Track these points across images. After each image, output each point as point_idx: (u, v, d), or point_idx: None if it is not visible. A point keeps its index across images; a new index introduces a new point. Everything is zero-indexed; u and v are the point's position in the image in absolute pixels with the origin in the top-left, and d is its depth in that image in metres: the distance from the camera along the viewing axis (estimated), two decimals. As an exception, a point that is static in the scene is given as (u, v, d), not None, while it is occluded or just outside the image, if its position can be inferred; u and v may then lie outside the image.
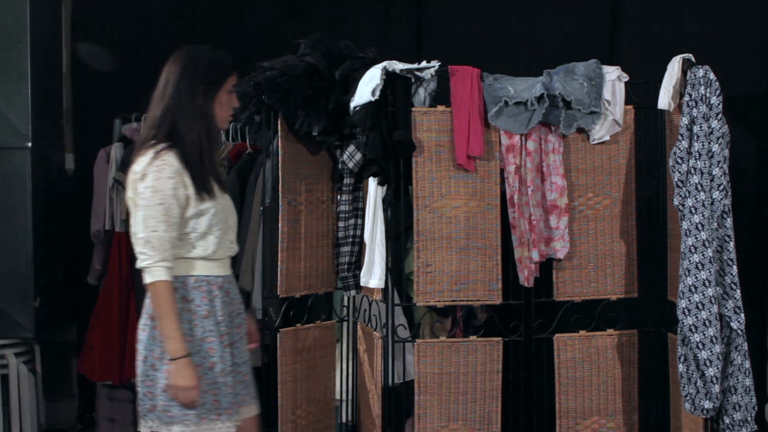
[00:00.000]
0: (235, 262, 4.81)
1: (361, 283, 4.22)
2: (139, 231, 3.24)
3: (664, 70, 4.03)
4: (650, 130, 4.30)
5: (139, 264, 3.22)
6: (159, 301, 3.19)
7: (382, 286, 4.11)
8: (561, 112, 4.11)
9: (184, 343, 3.18)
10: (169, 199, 3.20)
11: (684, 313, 3.83)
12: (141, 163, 3.23)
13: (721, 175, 3.83)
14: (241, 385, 3.36)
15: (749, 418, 3.88)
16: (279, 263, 4.27)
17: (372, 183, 4.13)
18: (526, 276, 4.17)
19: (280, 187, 4.28)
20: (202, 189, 3.25)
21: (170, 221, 3.21)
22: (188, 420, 3.21)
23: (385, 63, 4.05)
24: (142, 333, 3.30)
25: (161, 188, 3.19)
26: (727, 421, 3.87)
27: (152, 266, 3.19)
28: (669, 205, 4.16)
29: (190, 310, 3.27)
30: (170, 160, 3.21)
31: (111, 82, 5.72)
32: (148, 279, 3.20)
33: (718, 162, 3.83)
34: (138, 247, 3.24)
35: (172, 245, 3.22)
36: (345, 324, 4.65)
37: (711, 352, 3.78)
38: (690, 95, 3.86)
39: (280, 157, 4.29)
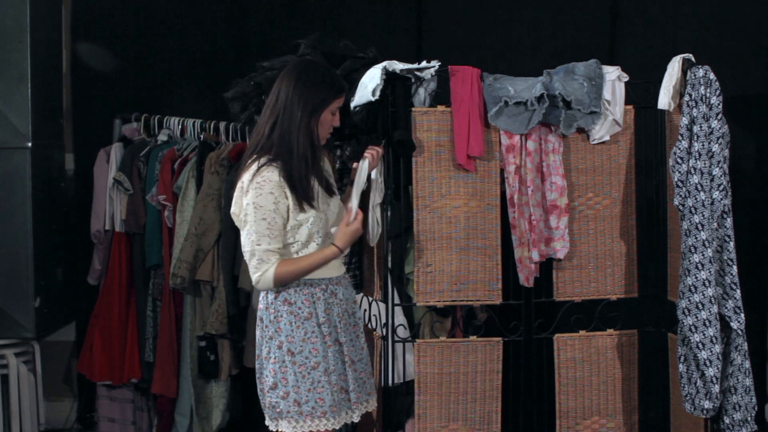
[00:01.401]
0: (235, 262, 4.83)
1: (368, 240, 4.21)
2: (246, 245, 3.43)
3: (664, 70, 4.03)
4: (650, 130, 4.30)
5: (253, 280, 3.44)
6: (290, 275, 3.42)
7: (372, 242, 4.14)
8: (561, 112, 4.11)
9: (329, 249, 3.44)
10: (270, 214, 3.37)
11: (684, 313, 3.83)
12: (245, 179, 3.41)
13: (721, 175, 3.83)
14: (357, 382, 3.54)
15: (749, 418, 3.88)
16: (279, 263, 4.27)
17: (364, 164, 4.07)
18: (526, 276, 4.17)
19: (280, 187, 4.27)
20: (304, 200, 3.41)
21: (273, 234, 3.39)
22: (291, 416, 3.42)
23: (385, 63, 4.05)
24: (256, 334, 3.54)
25: (263, 204, 3.37)
26: (727, 421, 3.87)
27: (261, 276, 3.40)
28: (669, 205, 4.16)
29: (292, 312, 3.46)
30: (269, 176, 3.38)
31: (111, 82, 5.72)
32: (266, 286, 3.42)
33: (718, 162, 3.83)
34: (247, 261, 3.44)
35: (277, 254, 3.42)
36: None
37: (711, 352, 3.78)
38: (690, 95, 3.86)
39: (280, 157, 4.28)
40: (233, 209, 3.49)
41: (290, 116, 3.40)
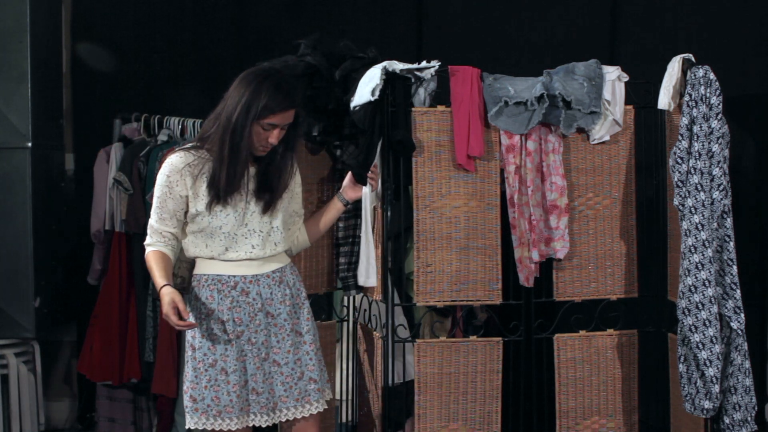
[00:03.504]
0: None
1: (358, 282, 4.22)
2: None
3: (664, 70, 4.03)
4: (650, 130, 4.30)
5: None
6: (147, 267, 3.46)
7: (371, 284, 4.13)
8: (561, 112, 4.11)
9: (161, 279, 3.37)
10: (163, 195, 3.45)
11: (684, 313, 3.83)
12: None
13: (721, 175, 3.83)
14: (282, 386, 3.48)
15: (749, 418, 3.88)
16: (279, 263, 4.27)
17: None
18: (526, 276, 4.17)
19: (280, 187, 4.27)
20: (213, 194, 3.43)
21: (162, 215, 3.46)
22: (188, 411, 3.42)
23: (385, 63, 4.05)
24: None
25: (160, 182, 3.46)
26: (727, 421, 3.87)
27: (146, 246, 3.48)
28: (669, 205, 4.16)
29: (197, 307, 3.47)
30: (173, 160, 3.47)
31: (111, 82, 5.72)
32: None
33: (718, 162, 3.83)
34: None
35: (161, 235, 3.46)
36: (345, 324, 4.64)
37: (711, 352, 3.77)
38: (690, 95, 3.86)
39: (280, 157, 4.28)
40: None
41: (227, 118, 3.42)
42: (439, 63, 4.14)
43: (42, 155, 5.00)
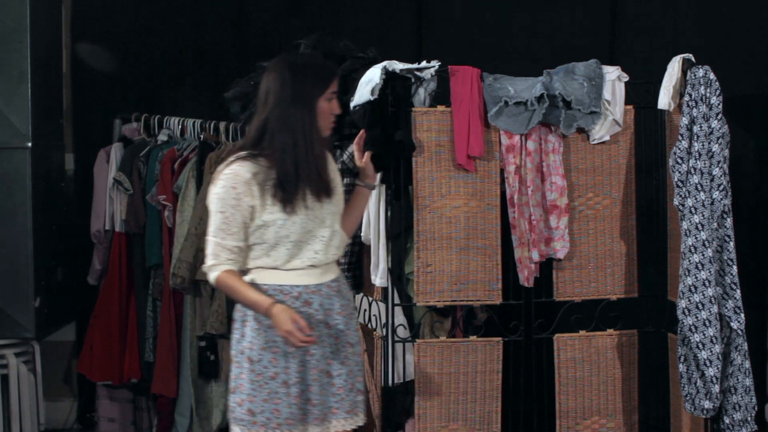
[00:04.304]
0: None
1: (371, 280, 4.22)
2: (208, 234, 3.30)
3: (664, 70, 4.03)
4: (650, 130, 4.30)
5: (204, 268, 3.34)
6: (226, 288, 3.29)
7: (384, 284, 4.11)
8: (561, 112, 4.11)
9: (264, 297, 3.24)
10: (229, 209, 3.24)
11: (684, 313, 3.83)
12: (219, 169, 3.30)
13: (721, 175, 3.83)
14: (333, 397, 3.35)
15: (749, 418, 3.88)
16: (279, 263, 4.27)
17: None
18: (526, 276, 4.17)
19: (280, 187, 4.27)
20: (283, 201, 3.25)
21: (229, 230, 3.25)
22: (243, 425, 3.28)
23: (385, 63, 4.05)
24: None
25: (224, 197, 3.24)
26: (727, 421, 3.87)
27: (209, 268, 3.29)
28: (669, 205, 4.16)
29: (257, 318, 3.30)
30: (237, 170, 3.24)
31: (111, 82, 5.72)
32: (211, 279, 3.30)
33: (718, 162, 3.83)
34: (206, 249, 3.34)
35: (230, 252, 3.27)
36: (345, 324, 4.64)
37: (711, 352, 3.78)
38: (690, 95, 3.86)
39: (280, 157, 4.28)
40: (208, 198, 3.37)
41: (283, 114, 3.25)
42: (439, 63, 4.14)
43: (42, 155, 5.00)
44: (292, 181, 3.24)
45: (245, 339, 3.30)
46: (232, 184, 3.24)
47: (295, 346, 3.21)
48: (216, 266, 3.27)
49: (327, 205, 3.34)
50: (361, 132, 3.59)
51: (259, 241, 3.29)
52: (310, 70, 3.30)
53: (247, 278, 3.31)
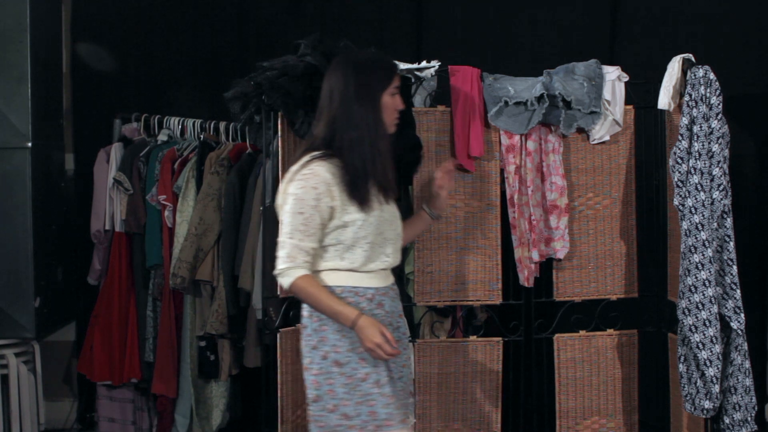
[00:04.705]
0: (235, 262, 4.83)
1: None
2: (280, 235, 3.24)
3: (664, 70, 4.03)
4: (650, 130, 4.30)
5: (275, 270, 3.24)
6: (305, 293, 3.21)
7: None
8: (561, 112, 4.11)
9: (350, 308, 3.18)
10: (309, 210, 3.19)
11: (684, 313, 3.83)
12: (293, 169, 3.24)
13: (721, 175, 3.83)
14: (401, 397, 3.30)
15: (749, 418, 3.88)
16: (279, 263, 4.27)
17: None
18: (526, 276, 4.17)
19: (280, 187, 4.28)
20: (357, 200, 3.21)
21: (308, 231, 3.19)
22: (340, 430, 3.21)
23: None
24: (301, 342, 3.32)
25: (304, 197, 3.19)
26: (727, 421, 3.87)
27: (284, 271, 3.21)
28: (669, 205, 4.16)
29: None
30: (317, 170, 3.20)
31: (111, 82, 5.72)
32: (285, 283, 3.22)
33: (718, 162, 3.83)
34: (277, 252, 3.24)
35: (307, 254, 3.21)
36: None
37: (711, 352, 3.77)
38: (690, 95, 3.86)
39: (280, 157, 4.29)
40: (278, 200, 3.31)
41: (348, 112, 3.22)
42: (439, 63, 4.15)
43: (42, 155, 4.99)
44: (362, 179, 3.21)
45: (326, 343, 3.23)
46: (312, 184, 3.19)
47: (381, 359, 3.17)
48: (292, 270, 3.20)
49: (392, 207, 3.33)
50: (451, 162, 3.58)
51: (335, 242, 3.25)
52: (373, 67, 3.28)
53: (326, 282, 3.25)
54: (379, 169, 3.22)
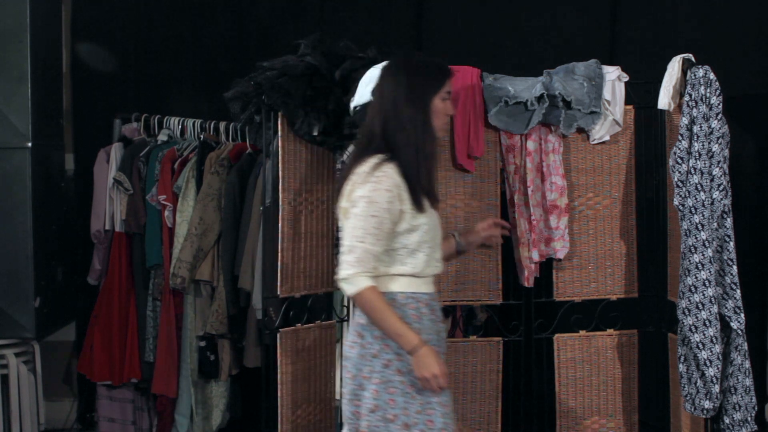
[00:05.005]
0: (235, 262, 4.83)
1: None
2: (346, 239, 3.15)
3: (664, 70, 4.03)
4: (650, 130, 4.30)
5: (339, 274, 3.14)
6: (371, 307, 3.12)
7: None
8: (561, 112, 4.11)
9: (414, 333, 3.11)
10: (382, 213, 3.12)
11: (684, 313, 3.83)
12: (361, 171, 3.17)
13: (721, 175, 3.82)
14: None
15: (749, 418, 3.88)
16: (279, 263, 4.27)
17: None
18: (526, 276, 4.17)
19: (280, 187, 4.28)
20: (417, 203, 3.17)
21: (379, 235, 3.12)
22: None
23: (385, 63, 4.04)
24: (351, 350, 3.24)
25: (377, 200, 3.12)
26: (727, 421, 3.87)
27: (353, 276, 3.11)
28: (669, 205, 4.16)
29: None
30: (390, 172, 3.15)
31: (111, 82, 5.73)
32: (351, 290, 3.12)
33: (718, 162, 3.82)
34: (342, 255, 3.14)
35: (376, 259, 3.14)
36: (345, 324, 4.64)
37: (711, 352, 3.77)
38: (690, 95, 3.86)
39: (280, 157, 4.29)
40: (342, 203, 3.22)
41: (398, 113, 3.18)
42: (439, 63, 4.14)
43: (42, 155, 4.99)
44: (415, 181, 3.18)
45: (389, 351, 3.19)
46: (386, 186, 3.14)
47: (431, 390, 3.13)
48: (361, 277, 3.11)
49: (436, 213, 3.29)
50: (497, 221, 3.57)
51: (400, 246, 3.20)
52: (425, 70, 3.26)
53: (385, 288, 3.19)
54: (423, 173, 3.19)
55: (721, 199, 3.82)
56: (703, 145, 3.81)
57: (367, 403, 3.19)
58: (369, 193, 3.13)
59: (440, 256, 3.32)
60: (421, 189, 3.19)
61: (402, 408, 3.16)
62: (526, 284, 4.18)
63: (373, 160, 3.17)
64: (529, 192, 4.15)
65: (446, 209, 4.13)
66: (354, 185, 3.18)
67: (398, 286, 3.21)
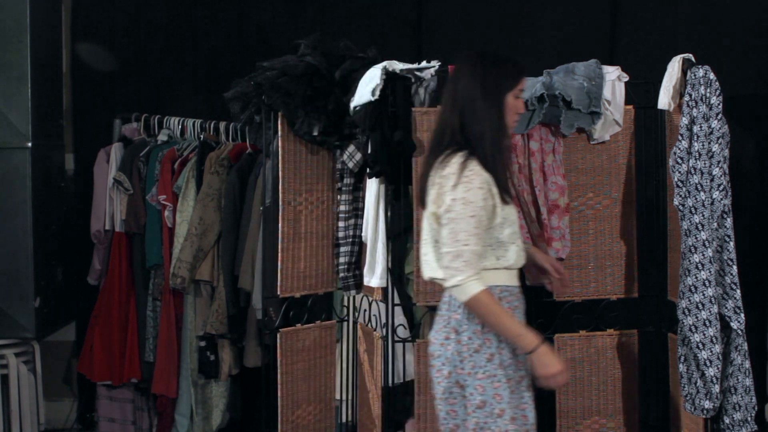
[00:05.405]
0: (235, 262, 4.83)
1: (364, 282, 4.22)
2: (448, 245, 3.11)
3: (664, 70, 4.03)
4: (650, 130, 4.30)
5: (449, 281, 3.12)
6: (486, 311, 3.10)
7: (384, 285, 4.11)
8: (561, 112, 4.11)
9: (532, 333, 3.10)
10: (479, 211, 3.10)
11: (684, 313, 3.83)
12: (449, 172, 3.14)
13: (721, 175, 3.82)
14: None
15: (749, 418, 3.88)
16: (279, 263, 4.27)
17: (373, 182, 4.12)
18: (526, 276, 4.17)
19: (280, 187, 4.29)
20: (503, 196, 3.16)
21: (480, 234, 3.11)
22: None
23: (385, 63, 4.05)
24: (443, 348, 3.21)
25: (472, 200, 3.09)
26: (727, 421, 3.87)
27: (464, 282, 3.08)
28: (669, 205, 4.16)
29: None
30: (477, 170, 3.12)
31: (111, 82, 5.72)
32: (463, 297, 3.10)
33: (718, 162, 3.82)
34: (446, 262, 3.12)
35: (481, 259, 3.13)
36: (345, 324, 4.65)
37: (711, 352, 3.77)
38: (690, 95, 3.86)
39: (280, 157, 4.29)
40: (432, 208, 3.20)
41: (474, 107, 3.17)
42: (439, 63, 4.14)
43: (42, 155, 5.00)
44: (504, 173, 3.18)
45: (491, 345, 3.17)
46: (478, 185, 3.11)
47: (550, 388, 3.13)
48: (472, 282, 3.08)
49: (514, 206, 3.28)
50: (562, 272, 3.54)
51: (494, 240, 3.18)
52: (501, 66, 3.25)
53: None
54: (499, 167, 3.18)
55: (721, 199, 3.82)
56: (703, 145, 3.81)
57: (472, 399, 3.16)
58: (463, 194, 3.10)
59: (523, 246, 3.31)
60: (502, 180, 3.18)
61: (507, 402, 3.14)
62: (527, 283, 4.18)
63: (456, 160, 3.15)
64: (536, 191, 4.14)
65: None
66: (442, 189, 3.16)
67: (493, 279, 3.19)
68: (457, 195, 3.10)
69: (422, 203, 3.26)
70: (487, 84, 3.20)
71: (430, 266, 3.28)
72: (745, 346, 3.86)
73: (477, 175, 3.11)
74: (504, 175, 3.18)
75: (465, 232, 3.08)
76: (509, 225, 3.19)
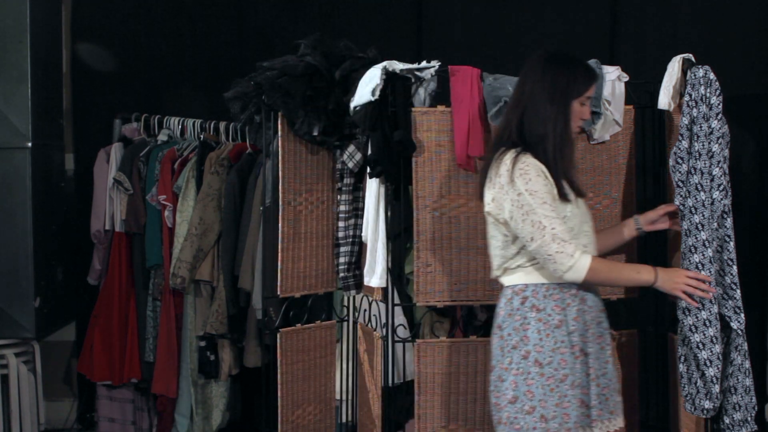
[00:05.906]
0: (235, 262, 4.83)
1: (364, 282, 4.22)
2: (536, 238, 3.14)
3: (664, 70, 4.03)
4: (650, 130, 4.30)
5: (559, 269, 3.15)
6: (604, 276, 3.21)
7: (384, 285, 4.11)
8: (561, 112, 4.11)
9: (646, 266, 3.28)
10: (547, 197, 3.14)
11: (684, 313, 3.82)
12: (503, 170, 3.18)
13: (721, 175, 3.82)
14: (599, 398, 3.27)
15: (749, 418, 3.87)
16: (279, 263, 4.27)
17: (373, 182, 4.12)
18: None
19: (280, 187, 4.28)
20: (560, 192, 3.19)
21: (558, 215, 3.14)
22: None
23: (385, 63, 4.05)
24: (492, 342, 3.30)
25: (536, 188, 3.14)
26: (727, 421, 3.86)
27: (574, 264, 3.14)
28: (669, 205, 4.16)
29: (541, 319, 3.22)
30: (531, 161, 3.16)
31: (111, 82, 5.73)
32: (578, 276, 3.15)
33: (718, 162, 3.82)
34: (544, 254, 3.15)
35: (572, 234, 3.16)
36: (345, 324, 4.65)
37: (711, 352, 3.77)
38: (690, 95, 3.86)
39: (280, 157, 4.29)
40: (489, 208, 3.26)
41: (537, 109, 3.20)
42: (439, 63, 4.14)
43: (42, 155, 5.00)
44: (560, 174, 3.20)
45: (528, 342, 3.20)
46: (535, 173, 3.15)
47: (702, 295, 3.32)
48: (578, 259, 3.13)
49: (584, 204, 3.31)
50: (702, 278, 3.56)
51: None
52: (571, 70, 3.27)
53: (528, 280, 3.23)
54: (560, 168, 3.20)
55: (721, 199, 3.82)
56: (703, 145, 3.81)
57: (506, 393, 3.21)
58: (525, 186, 3.14)
59: (586, 242, 3.29)
60: (560, 180, 3.20)
61: (539, 400, 3.18)
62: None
63: (508, 156, 3.19)
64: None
65: (446, 209, 4.13)
66: (502, 189, 3.19)
67: (544, 277, 3.24)
68: (521, 189, 3.14)
69: (480, 197, 3.33)
70: (555, 88, 3.22)
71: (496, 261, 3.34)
72: (745, 346, 3.85)
73: (530, 166, 3.15)
74: (565, 175, 3.21)
75: (545, 218, 3.13)
76: (566, 221, 3.19)
